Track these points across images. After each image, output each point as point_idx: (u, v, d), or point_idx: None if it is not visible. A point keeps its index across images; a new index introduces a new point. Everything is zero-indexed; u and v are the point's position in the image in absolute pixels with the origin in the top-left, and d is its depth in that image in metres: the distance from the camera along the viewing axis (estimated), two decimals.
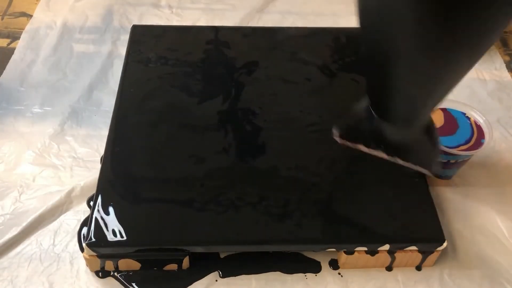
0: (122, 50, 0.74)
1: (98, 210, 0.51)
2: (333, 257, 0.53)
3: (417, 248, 0.51)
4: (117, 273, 0.51)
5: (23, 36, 0.78)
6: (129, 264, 0.51)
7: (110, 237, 0.49)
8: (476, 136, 0.56)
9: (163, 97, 0.63)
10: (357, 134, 0.52)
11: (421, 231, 0.51)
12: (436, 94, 0.44)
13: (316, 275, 0.52)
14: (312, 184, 0.54)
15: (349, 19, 0.84)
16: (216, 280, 0.51)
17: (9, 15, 0.83)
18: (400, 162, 0.51)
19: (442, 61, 0.39)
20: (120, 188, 0.53)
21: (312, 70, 0.68)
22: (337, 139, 0.53)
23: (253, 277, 0.52)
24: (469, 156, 0.56)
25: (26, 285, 0.50)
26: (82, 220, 0.56)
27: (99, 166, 0.59)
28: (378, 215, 0.52)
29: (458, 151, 0.54)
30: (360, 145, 0.52)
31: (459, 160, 0.56)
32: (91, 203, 0.55)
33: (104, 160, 0.56)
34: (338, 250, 0.52)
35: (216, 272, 0.52)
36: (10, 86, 0.70)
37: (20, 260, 0.52)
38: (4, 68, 0.72)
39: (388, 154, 0.51)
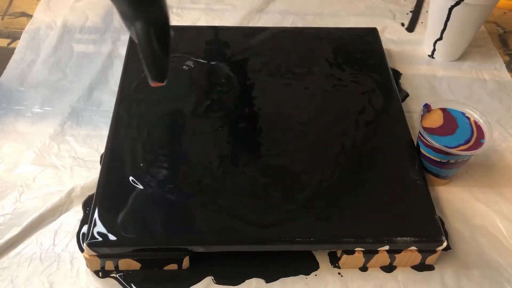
0: (122, 50, 0.74)
1: (98, 210, 0.51)
2: (333, 257, 0.53)
3: (416, 248, 0.51)
4: (117, 273, 0.51)
5: (23, 36, 0.78)
6: (129, 264, 0.51)
7: (110, 237, 0.49)
8: (476, 136, 0.56)
9: (163, 98, 0.63)
10: None
11: (421, 231, 0.51)
12: None
13: (316, 275, 0.52)
14: (311, 184, 0.54)
15: (349, 19, 0.84)
16: (216, 280, 0.51)
17: (9, 15, 0.83)
18: None
19: None
20: (120, 187, 0.53)
21: (312, 70, 0.68)
22: None
23: (253, 277, 0.52)
24: (469, 156, 0.56)
25: (26, 285, 0.50)
26: (82, 220, 0.56)
27: (99, 166, 0.59)
28: (378, 215, 0.52)
29: (458, 151, 0.54)
30: None
31: (459, 160, 0.56)
32: (88, 209, 0.56)
33: (104, 160, 0.56)
34: (338, 250, 0.52)
35: (216, 272, 0.52)
36: (10, 86, 0.70)
37: (20, 260, 0.52)
38: (4, 68, 0.72)
39: None
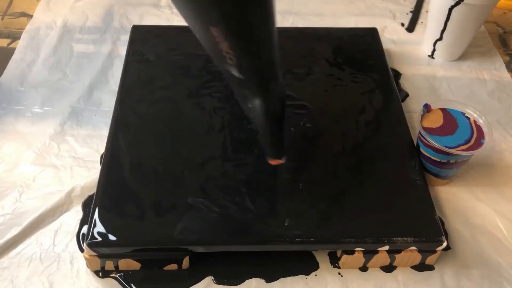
0: (122, 50, 0.74)
1: (98, 210, 0.51)
2: (333, 257, 0.53)
3: (416, 248, 0.51)
4: (117, 273, 0.51)
5: (23, 36, 0.78)
6: (129, 264, 0.51)
7: (110, 237, 0.49)
8: (476, 136, 0.56)
9: (163, 98, 0.63)
10: None
11: (421, 231, 0.51)
12: None
13: (316, 275, 0.52)
14: (312, 185, 0.54)
15: (349, 19, 0.84)
16: (216, 280, 0.51)
17: (9, 15, 0.83)
18: None
19: None
20: (120, 187, 0.53)
21: (312, 70, 0.68)
22: None
23: (253, 277, 0.52)
24: (469, 156, 0.56)
25: (26, 285, 0.50)
26: (82, 220, 0.55)
27: (99, 166, 0.59)
28: (378, 215, 0.52)
29: (458, 151, 0.54)
30: None
31: (459, 160, 0.56)
32: (88, 209, 0.55)
33: (104, 160, 0.56)
34: (338, 250, 0.52)
35: (216, 272, 0.52)
36: (10, 86, 0.70)
37: (20, 260, 0.52)
38: (4, 68, 0.72)
39: None
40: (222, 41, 0.43)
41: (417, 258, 0.52)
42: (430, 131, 0.57)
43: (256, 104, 0.48)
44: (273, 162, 0.52)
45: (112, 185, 0.53)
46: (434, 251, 0.52)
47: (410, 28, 0.84)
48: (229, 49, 0.44)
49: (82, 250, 0.52)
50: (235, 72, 0.46)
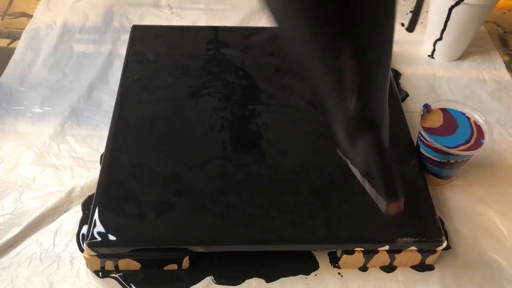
0: (122, 50, 0.74)
1: (98, 210, 0.51)
2: (333, 257, 0.53)
3: (416, 248, 0.51)
4: (117, 273, 0.51)
5: (23, 36, 0.78)
6: (129, 264, 0.51)
7: (109, 237, 0.49)
8: (476, 136, 0.56)
9: (163, 98, 0.63)
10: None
11: (421, 231, 0.51)
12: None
13: (316, 275, 0.52)
14: (311, 184, 0.54)
15: None
16: (216, 280, 0.51)
17: (9, 15, 0.83)
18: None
19: None
20: (120, 188, 0.53)
21: None
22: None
23: (253, 277, 0.52)
24: (469, 156, 0.56)
25: (26, 285, 0.50)
26: (82, 220, 0.55)
27: (99, 166, 0.59)
28: (378, 215, 0.52)
29: (457, 151, 0.54)
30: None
31: (459, 160, 0.56)
32: (87, 210, 0.55)
33: (104, 160, 0.56)
34: (338, 250, 0.52)
35: (216, 272, 0.52)
36: (10, 86, 0.70)
37: (20, 260, 0.52)
38: (4, 68, 0.72)
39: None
40: (349, 69, 0.41)
41: (417, 258, 0.52)
42: (430, 131, 0.57)
43: (367, 143, 0.46)
44: (392, 206, 0.45)
45: (112, 185, 0.53)
46: (434, 251, 0.52)
47: (410, 28, 0.83)
48: (354, 76, 0.42)
49: (82, 250, 0.52)
50: (351, 107, 0.44)
